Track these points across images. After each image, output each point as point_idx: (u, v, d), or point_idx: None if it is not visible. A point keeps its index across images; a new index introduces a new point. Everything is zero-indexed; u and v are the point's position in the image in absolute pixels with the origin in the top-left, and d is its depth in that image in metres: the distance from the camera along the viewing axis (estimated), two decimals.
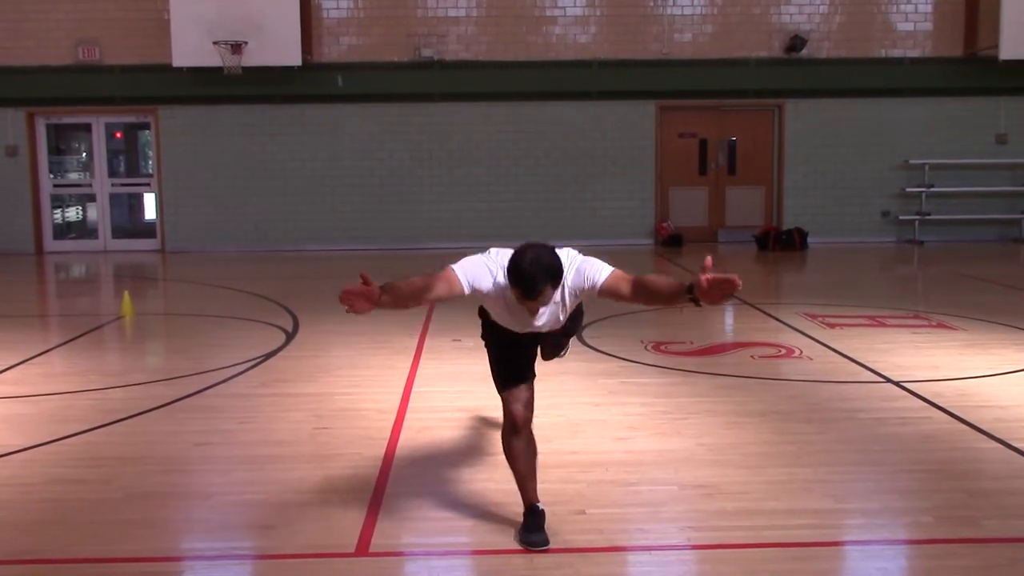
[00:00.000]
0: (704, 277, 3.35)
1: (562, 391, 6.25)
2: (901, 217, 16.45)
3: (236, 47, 14.73)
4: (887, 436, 5.25)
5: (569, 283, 3.77)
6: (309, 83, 15.67)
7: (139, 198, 17.06)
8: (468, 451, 5.10)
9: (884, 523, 3.98)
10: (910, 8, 16.34)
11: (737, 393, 6.20)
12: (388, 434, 5.36)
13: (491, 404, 5.96)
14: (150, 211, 16.83)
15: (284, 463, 4.88)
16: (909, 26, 16.32)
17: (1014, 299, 10.51)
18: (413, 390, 6.35)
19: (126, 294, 9.76)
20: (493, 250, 3.97)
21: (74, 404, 6.12)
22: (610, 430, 5.33)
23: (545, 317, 3.89)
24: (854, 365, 6.96)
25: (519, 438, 4.02)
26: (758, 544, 3.77)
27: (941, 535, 3.85)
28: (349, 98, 15.89)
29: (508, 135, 16.22)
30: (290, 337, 8.32)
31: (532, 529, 3.85)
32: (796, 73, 16.23)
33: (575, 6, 16.18)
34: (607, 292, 3.72)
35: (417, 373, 6.87)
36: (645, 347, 7.67)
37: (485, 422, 5.60)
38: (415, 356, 7.45)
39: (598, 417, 5.64)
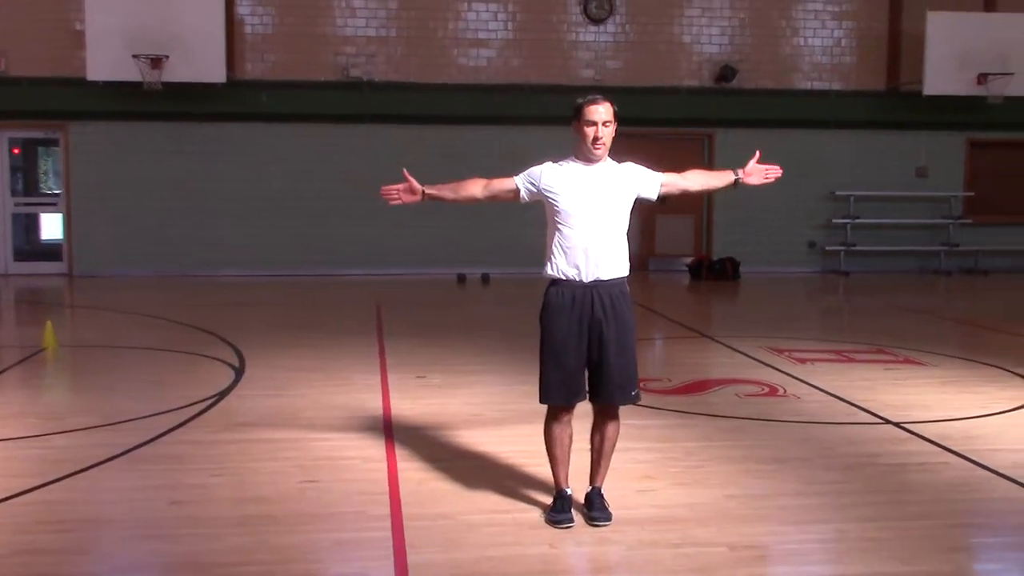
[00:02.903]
0: (752, 161, 4.61)
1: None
2: (827, 248, 16.61)
3: (156, 61, 13.96)
4: (915, 485, 5.01)
5: (632, 168, 4.46)
6: (232, 101, 14.96)
7: (36, 219, 16.03)
8: (480, 500, 4.65)
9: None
10: (834, 43, 16.57)
11: (742, 436, 5.90)
12: (386, 488, 4.87)
13: (483, 446, 5.56)
14: (52, 232, 15.82)
15: (280, 525, 4.35)
16: (834, 60, 16.55)
17: (962, 332, 10.59)
18: (395, 435, 5.86)
19: (49, 324, 8.96)
20: None
21: (17, 454, 5.45)
22: (627, 480, 4.95)
23: (605, 181, 4.33)
24: (844, 404, 6.76)
25: (560, 424, 4.41)
26: None
27: None
28: (275, 118, 15.24)
29: (439, 159, 15.72)
30: (239, 373, 7.71)
31: (558, 509, 4.34)
32: (726, 103, 16.26)
33: (507, 30, 15.91)
34: (668, 183, 4.49)
35: (392, 415, 6.38)
36: None
37: (484, 465, 5.19)
38: (383, 395, 6.96)
39: (615, 466, 5.24)
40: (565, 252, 4.30)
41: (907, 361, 8.44)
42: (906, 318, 11.74)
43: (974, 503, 4.73)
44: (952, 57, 15.53)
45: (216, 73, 14.28)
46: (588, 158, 4.37)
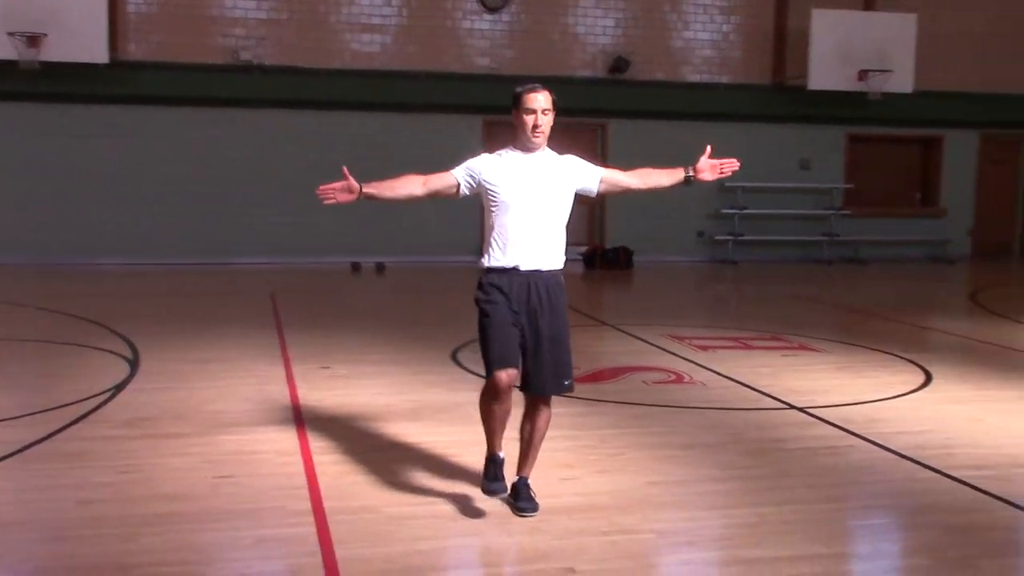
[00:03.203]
0: (703, 157, 4.44)
1: (475, 428, 5.79)
2: (716, 237, 17.00)
3: (34, 39, 13.29)
4: (825, 468, 5.15)
5: (573, 159, 4.40)
6: (115, 82, 14.37)
7: None
8: (402, 492, 4.58)
9: (886, 568, 3.81)
10: (722, 37, 16.94)
11: (653, 423, 5.98)
12: (304, 482, 4.75)
13: (399, 437, 5.47)
14: None
15: (196, 523, 4.19)
16: (722, 54, 16.92)
17: (849, 319, 10.97)
18: (307, 428, 5.72)
19: None
20: None
21: None
22: (548, 469, 4.92)
23: (545, 171, 4.28)
24: (748, 391, 6.91)
25: (499, 402, 4.29)
26: None
27: None
28: (161, 101, 14.70)
29: (331, 146, 15.46)
30: (133, 365, 7.42)
31: (492, 477, 4.36)
32: (618, 94, 16.44)
33: (401, 16, 15.73)
34: (609, 180, 4.39)
35: (301, 407, 6.23)
36: None
37: (403, 457, 5.12)
38: (289, 387, 6.79)
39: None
40: (504, 243, 4.26)
41: (802, 347, 8.70)
42: (796, 306, 12.10)
43: (882, 485, 4.89)
44: (835, 53, 16.06)
45: (98, 53, 13.69)
46: (527, 147, 4.33)
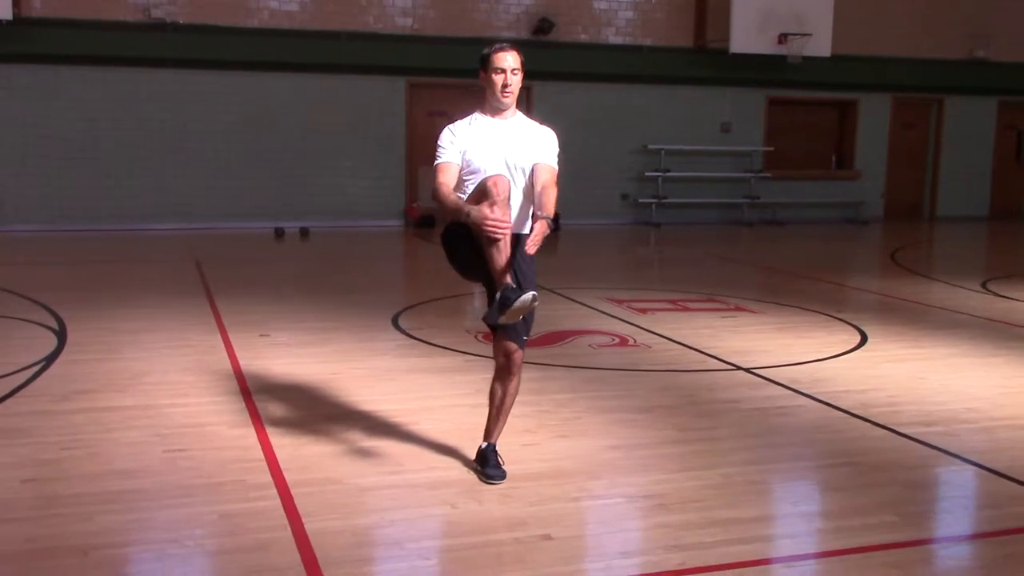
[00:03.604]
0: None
1: (428, 394, 5.75)
2: (640, 200, 17.09)
3: None
4: (781, 427, 5.21)
5: (550, 135, 4.30)
6: (19, 40, 13.67)
7: None
8: (364, 462, 4.48)
9: (856, 525, 3.85)
10: None
11: (605, 387, 5.97)
12: (261, 454, 4.61)
13: (352, 405, 5.35)
14: None
15: (155, 499, 4.03)
16: (645, 16, 16.90)
17: (779, 280, 11.14)
18: (254, 398, 5.56)
19: None
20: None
21: None
22: (508, 435, 4.82)
23: (518, 135, 4.20)
24: (694, 352, 6.96)
25: (495, 383, 4.39)
26: (764, 560, 3.52)
27: (924, 534, 3.80)
28: (68, 60, 14.05)
29: (250, 108, 15.08)
30: (61, 337, 7.12)
31: (491, 464, 4.31)
32: (543, 56, 16.26)
33: None
34: (543, 172, 4.15)
35: (246, 376, 6.05)
36: (476, 337, 7.27)
37: (360, 426, 5.03)
38: (230, 356, 6.60)
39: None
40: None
41: (738, 309, 8.80)
42: (725, 268, 12.26)
43: (837, 443, 4.96)
44: (756, 17, 16.21)
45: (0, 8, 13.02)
46: (497, 108, 4.23)
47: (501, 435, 4.50)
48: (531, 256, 4.19)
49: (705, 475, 4.41)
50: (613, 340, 7.34)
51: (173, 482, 4.23)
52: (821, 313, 8.60)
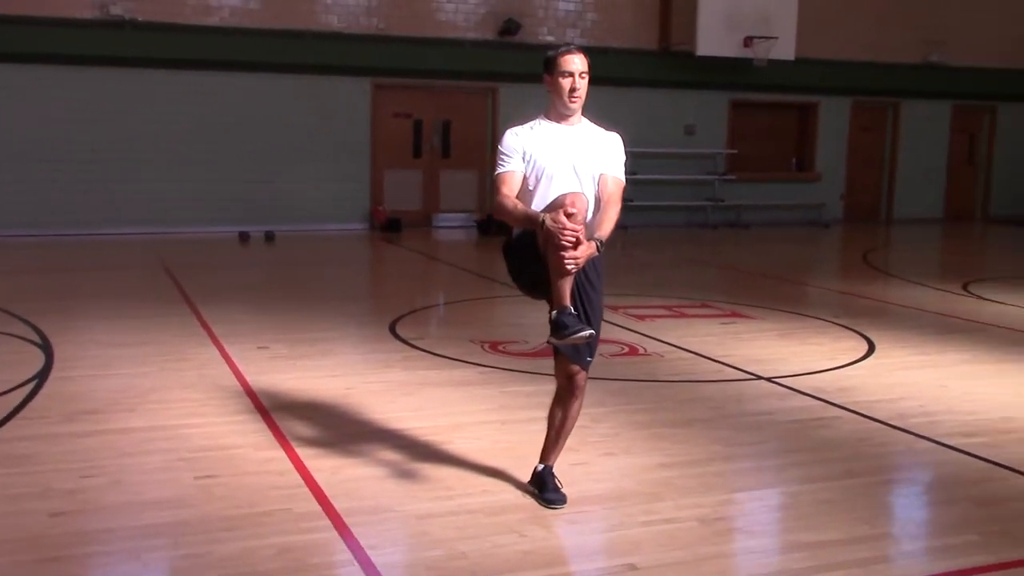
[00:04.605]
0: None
1: (452, 409, 5.52)
2: None
3: None
4: (827, 442, 5.08)
5: (616, 140, 4.15)
6: None
7: None
8: (411, 487, 4.24)
9: (939, 546, 3.74)
10: (610, 1, 16.82)
11: (634, 399, 5.80)
12: (299, 479, 4.35)
13: (377, 424, 5.10)
14: None
15: (201, 533, 3.75)
16: (611, 18, 16.81)
17: (763, 284, 11.08)
18: (273, 417, 5.28)
19: None
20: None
21: None
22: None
23: (585, 141, 4.03)
24: (707, 361, 6.84)
25: (556, 405, 4.18)
26: None
27: (1013, 556, 3.67)
28: (22, 58, 13.48)
29: (212, 108, 14.65)
30: (47, 351, 6.74)
31: (550, 489, 4.09)
32: (509, 57, 16.13)
33: None
34: (611, 183, 4.01)
35: (256, 393, 5.76)
36: (483, 348, 7.07)
37: (392, 446, 4.80)
38: (233, 371, 6.29)
39: (527, 439, 4.98)
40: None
41: (735, 315, 8.70)
42: (703, 272, 12.19)
43: (888, 457, 4.87)
44: (722, 20, 16.21)
45: None
46: (563, 114, 4.03)
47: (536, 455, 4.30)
48: (598, 280, 4.01)
49: (769, 495, 4.27)
50: (623, 349, 7.18)
51: (214, 513, 3.95)
52: (818, 318, 8.54)
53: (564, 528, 3.87)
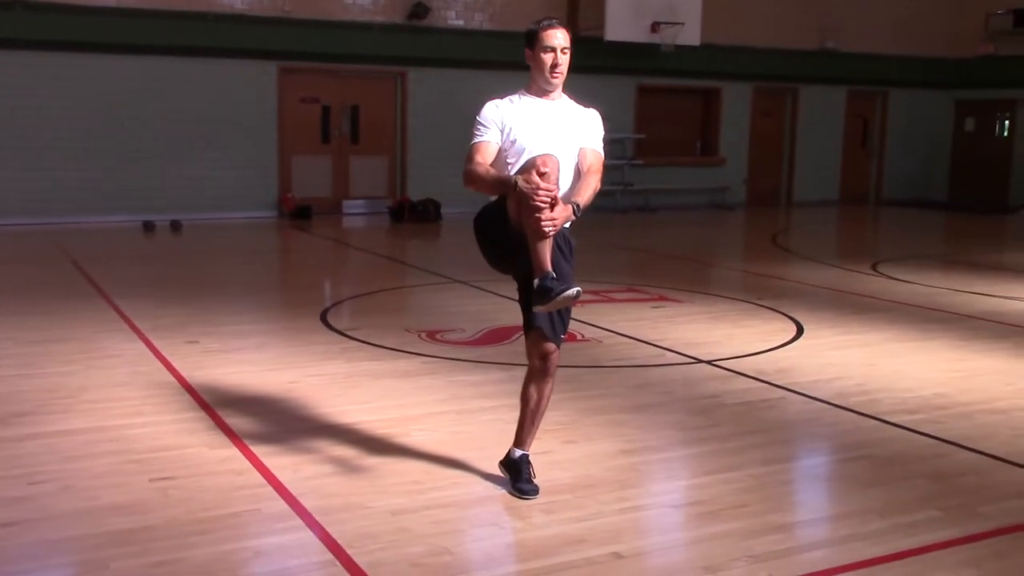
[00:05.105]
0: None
1: (402, 401, 5.43)
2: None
3: None
4: (778, 423, 5.18)
5: (595, 116, 4.11)
6: None
7: None
8: (377, 482, 4.15)
9: (906, 523, 3.83)
10: None
11: (583, 386, 5.81)
12: (260, 478, 4.22)
13: (328, 418, 4.97)
14: None
15: (169, 538, 3.59)
16: (519, 3, 16.75)
17: (682, 266, 11.25)
18: (221, 414, 5.11)
19: None
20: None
21: None
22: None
23: (566, 118, 3.99)
24: (646, 346, 6.90)
25: (529, 386, 4.17)
26: (850, 566, 3.45)
27: (976, 528, 3.80)
28: None
29: (111, 93, 14.09)
30: None
31: (523, 479, 4.05)
32: (419, 41, 15.97)
33: None
34: (591, 155, 4.00)
35: (196, 389, 5.57)
36: (420, 337, 6.99)
37: (349, 440, 4.70)
38: (167, 367, 6.06)
39: (484, 429, 4.95)
40: None
41: (662, 298, 8.81)
42: (621, 256, 12.30)
43: (840, 436, 4.98)
44: (629, 6, 16.35)
45: None
46: (544, 89, 3.98)
47: (504, 443, 4.29)
48: (570, 253, 4.00)
49: (734, 477, 4.32)
50: None
51: (180, 517, 3.80)
52: (743, 301, 8.71)
53: (541, 518, 3.84)
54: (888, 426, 5.10)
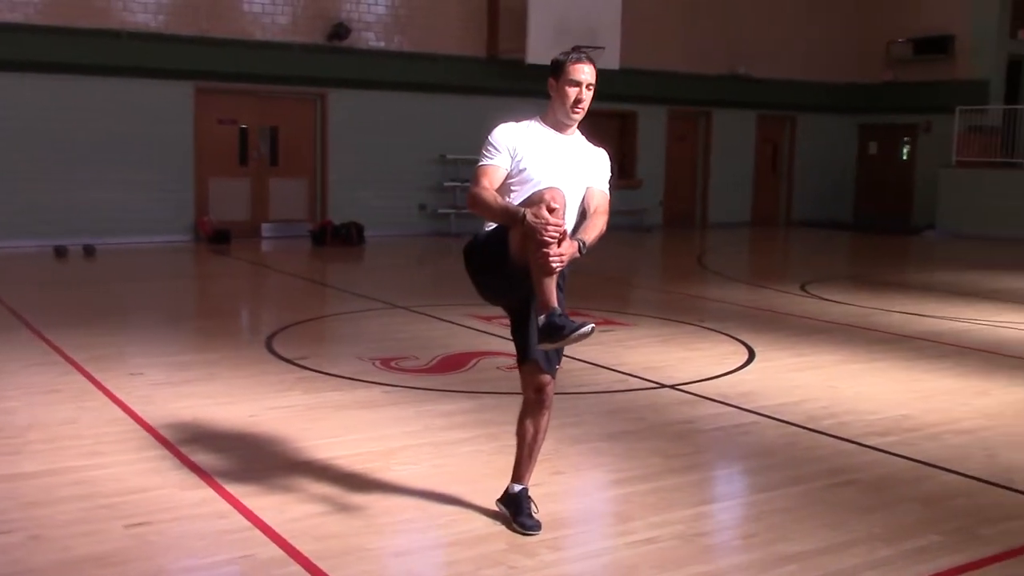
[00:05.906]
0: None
1: (376, 434, 5.25)
2: (439, 210, 16.84)
3: None
4: (758, 448, 5.15)
5: (605, 157, 4.07)
6: None
7: None
8: (372, 521, 3.97)
9: (912, 548, 3.83)
10: (437, 7, 16.72)
11: (556, 413, 5.53)
12: (245, 521, 3.98)
13: (301, 454, 4.76)
14: None
15: None
16: (440, 25, 16.70)
17: (617, 290, 11.27)
18: (186, 453, 4.84)
19: None
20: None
21: None
22: (504, 477, 4.48)
23: (578, 155, 3.93)
24: (605, 371, 6.83)
25: (525, 419, 4.04)
26: None
27: (977, 554, 3.81)
28: None
29: (18, 114, 13.49)
30: None
31: (524, 513, 3.92)
32: (339, 62, 15.75)
33: None
34: (596, 193, 3.93)
35: (151, 426, 5.27)
36: (375, 365, 6.80)
37: (329, 478, 4.50)
38: (115, 402, 5.74)
39: (466, 462, 4.80)
40: None
41: (607, 322, 8.76)
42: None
43: (822, 461, 4.96)
44: (550, 29, 16.40)
45: None
46: (562, 122, 3.88)
47: (493, 477, 4.24)
48: (563, 285, 3.91)
49: (732, 506, 4.28)
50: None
51: (168, 566, 3.56)
52: (687, 323, 8.76)
53: (550, 555, 3.72)
54: (866, 449, 5.13)
